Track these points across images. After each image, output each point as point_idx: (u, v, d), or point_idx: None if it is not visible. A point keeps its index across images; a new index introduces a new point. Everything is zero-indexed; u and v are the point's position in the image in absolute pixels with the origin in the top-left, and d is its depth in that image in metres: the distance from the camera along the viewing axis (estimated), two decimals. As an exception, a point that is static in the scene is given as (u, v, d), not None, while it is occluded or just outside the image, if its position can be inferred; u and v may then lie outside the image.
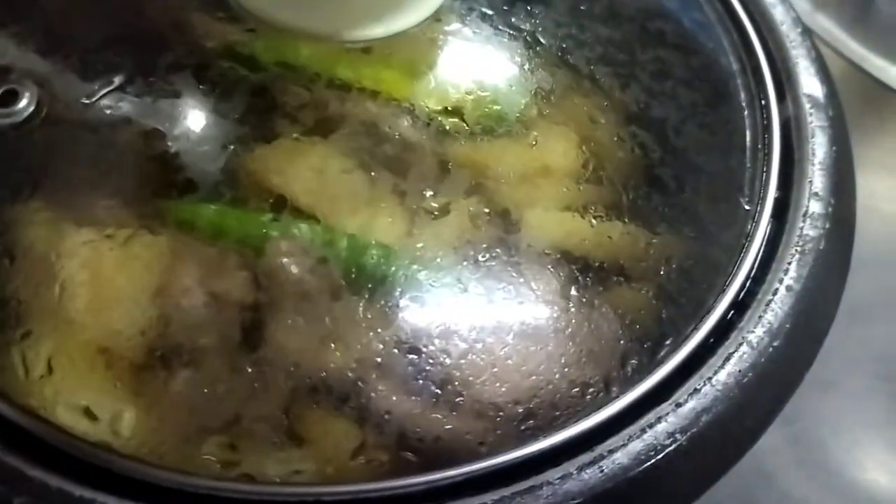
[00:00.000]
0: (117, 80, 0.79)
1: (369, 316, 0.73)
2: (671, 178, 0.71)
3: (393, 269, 0.76)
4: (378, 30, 0.64)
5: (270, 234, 0.77)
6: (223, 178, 0.79)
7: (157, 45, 0.83)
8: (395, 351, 0.68)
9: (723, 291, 0.60)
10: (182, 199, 0.78)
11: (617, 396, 0.55)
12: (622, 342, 0.61)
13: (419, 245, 0.78)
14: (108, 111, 0.78)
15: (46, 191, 0.75)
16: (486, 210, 0.81)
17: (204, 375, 0.71)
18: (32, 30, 0.77)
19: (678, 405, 0.54)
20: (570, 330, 0.64)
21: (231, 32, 0.83)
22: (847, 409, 0.93)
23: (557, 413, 0.58)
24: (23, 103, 0.68)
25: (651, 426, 0.53)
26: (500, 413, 0.60)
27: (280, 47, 0.83)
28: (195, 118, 0.81)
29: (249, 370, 0.68)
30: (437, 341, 0.68)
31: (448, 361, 0.66)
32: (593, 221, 0.76)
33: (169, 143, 0.79)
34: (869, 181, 1.00)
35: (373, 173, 0.81)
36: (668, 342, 0.59)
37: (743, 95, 0.71)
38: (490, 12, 0.80)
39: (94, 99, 0.77)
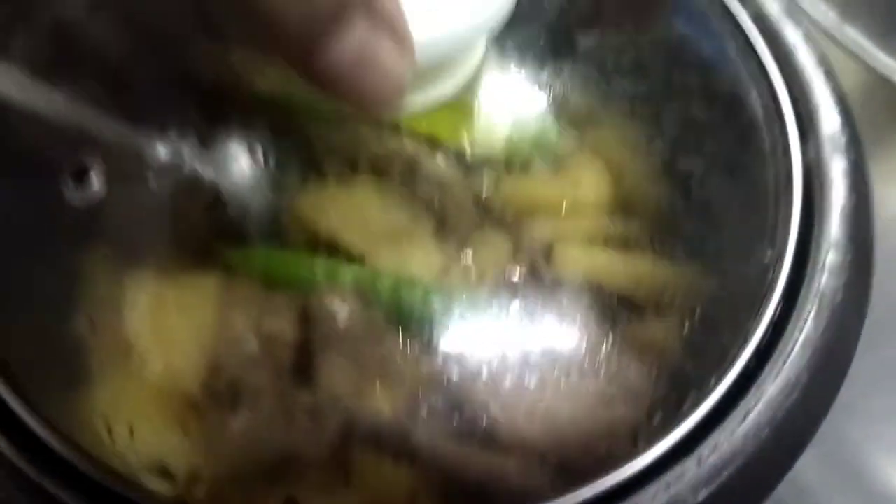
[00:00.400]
0: (174, 132, 0.84)
1: (415, 356, 0.79)
2: (695, 223, 0.75)
3: (436, 308, 0.81)
4: (417, 103, 0.67)
5: (320, 277, 0.83)
6: (273, 223, 0.85)
7: (213, 94, 0.87)
8: (440, 392, 0.73)
9: (744, 342, 0.63)
10: (235, 245, 0.84)
11: (643, 450, 0.59)
12: (648, 392, 0.66)
13: (460, 284, 0.83)
14: (165, 162, 0.83)
15: (109, 243, 0.81)
16: (522, 246, 0.86)
17: (258, 418, 0.78)
18: (91, 91, 0.82)
19: (701, 460, 0.58)
20: (599, 377, 0.68)
21: (279, 81, 0.87)
22: (873, 431, 0.96)
23: (588, 462, 0.62)
24: (92, 179, 0.73)
25: (676, 481, 0.57)
26: (532, 461, 0.65)
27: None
28: (245, 165, 0.86)
29: (302, 413, 0.74)
30: (477, 383, 0.73)
31: (485, 403, 0.71)
32: (620, 259, 0.80)
33: (222, 191, 0.84)
34: (893, 194, 1.02)
35: (415, 213, 0.87)
36: (691, 393, 0.63)
37: (767, 141, 0.74)
38: (523, 61, 0.83)
39: (154, 153, 0.82)
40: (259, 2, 0.48)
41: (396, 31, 0.54)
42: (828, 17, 1.10)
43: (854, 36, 1.09)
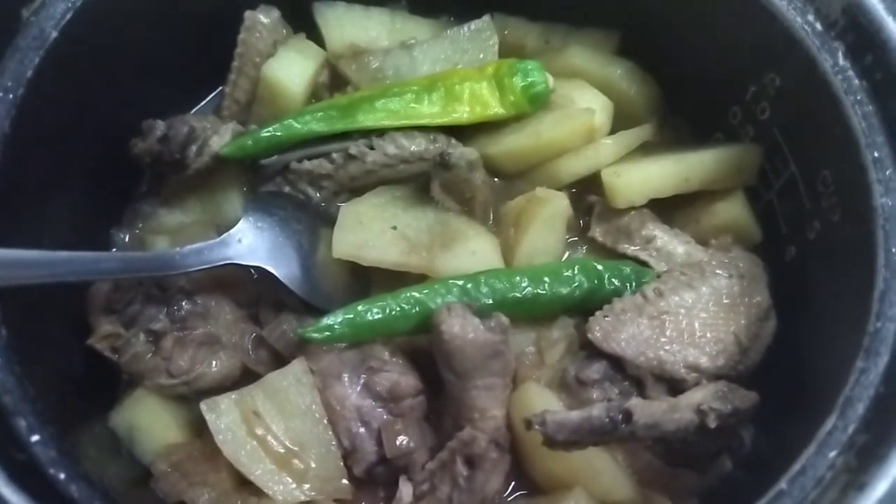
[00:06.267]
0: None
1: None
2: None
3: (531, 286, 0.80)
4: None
5: (416, 308, 0.78)
6: (321, 281, 0.84)
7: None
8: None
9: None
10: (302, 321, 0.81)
11: None
12: None
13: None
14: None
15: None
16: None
17: (417, 476, 0.78)
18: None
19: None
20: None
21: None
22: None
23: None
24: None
25: None
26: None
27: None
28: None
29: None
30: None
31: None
32: (671, 160, 0.86)
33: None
34: None
35: (446, 208, 0.86)
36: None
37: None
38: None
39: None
40: None
41: None
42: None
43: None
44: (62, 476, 0.58)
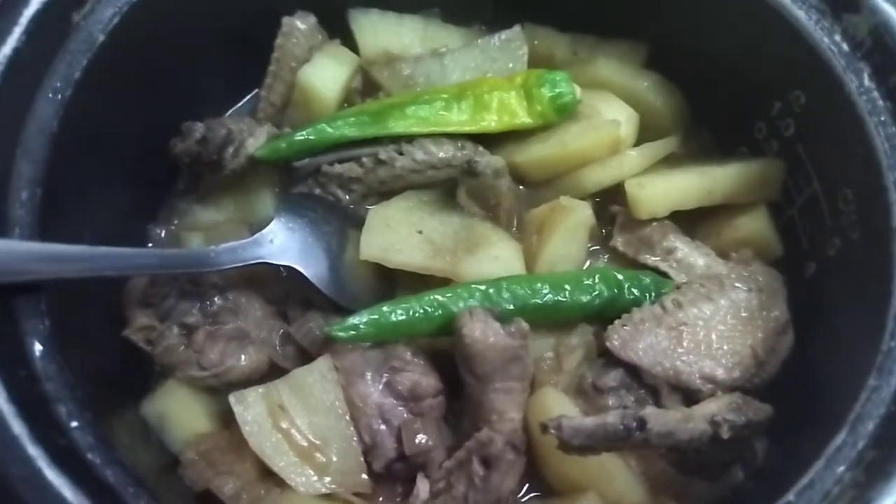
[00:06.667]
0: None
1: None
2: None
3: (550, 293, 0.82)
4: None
5: (440, 310, 0.80)
6: (348, 282, 0.86)
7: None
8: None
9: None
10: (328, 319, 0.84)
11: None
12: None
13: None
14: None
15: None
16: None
17: (434, 473, 0.80)
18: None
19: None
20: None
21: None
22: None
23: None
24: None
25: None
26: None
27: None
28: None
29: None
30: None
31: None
32: (695, 173, 0.88)
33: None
34: None
35: (471, 213, 0.88)
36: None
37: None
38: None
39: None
40: None
41: None
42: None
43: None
44: (98, 461, 0.61)
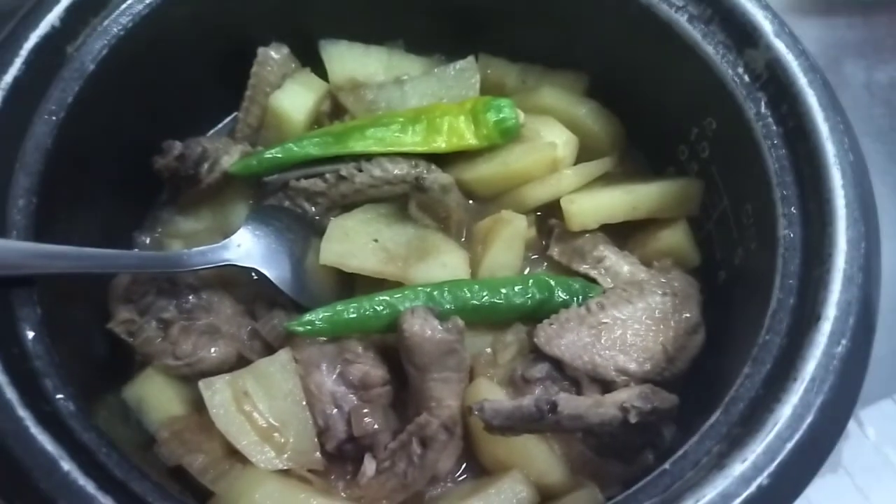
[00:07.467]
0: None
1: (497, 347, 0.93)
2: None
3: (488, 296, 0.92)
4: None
5: (387, 309, 0.90)
6: (301, 282, 0.96)
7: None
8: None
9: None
10: (291, 317, 0.93)
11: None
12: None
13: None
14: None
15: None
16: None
17: (380, 454, 0.89)
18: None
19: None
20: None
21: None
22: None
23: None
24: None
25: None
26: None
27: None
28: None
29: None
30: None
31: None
32: (623, 190, 0.99)
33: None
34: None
35: (424, 224, 0.98)
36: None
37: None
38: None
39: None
40: None
41: None
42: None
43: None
44: (78, 427, 0.71)
